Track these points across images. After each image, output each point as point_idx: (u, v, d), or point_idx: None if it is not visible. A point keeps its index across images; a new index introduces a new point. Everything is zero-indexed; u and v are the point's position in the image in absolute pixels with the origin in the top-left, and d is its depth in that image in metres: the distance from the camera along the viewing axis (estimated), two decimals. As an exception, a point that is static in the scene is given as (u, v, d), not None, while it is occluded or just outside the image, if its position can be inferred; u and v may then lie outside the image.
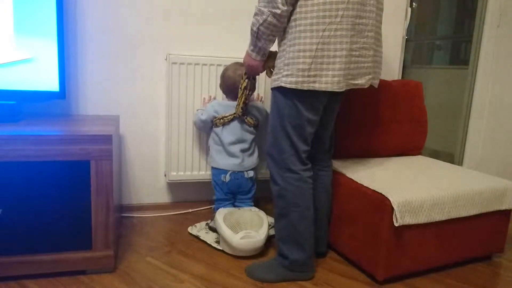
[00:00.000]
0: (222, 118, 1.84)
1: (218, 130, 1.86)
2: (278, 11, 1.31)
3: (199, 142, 2.04)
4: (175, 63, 1.93)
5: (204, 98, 1.99)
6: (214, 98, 1.99)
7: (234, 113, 1.82)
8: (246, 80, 1.73)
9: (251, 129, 1.89)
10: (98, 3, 1.88)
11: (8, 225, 1.39)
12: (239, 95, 1.78)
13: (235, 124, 1.85)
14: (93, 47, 1.91)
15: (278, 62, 1.43)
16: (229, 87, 1.85)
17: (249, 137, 1.89)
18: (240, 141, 1.86)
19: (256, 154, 1.94)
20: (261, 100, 2.06)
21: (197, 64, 1.96)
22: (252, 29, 1.41)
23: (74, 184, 1.42)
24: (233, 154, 1.85)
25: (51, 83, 1.65)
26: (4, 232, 1.39)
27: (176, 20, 2.00)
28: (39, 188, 1.40)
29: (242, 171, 1.87)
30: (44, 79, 1.64)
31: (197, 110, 1.96)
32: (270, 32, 1.38)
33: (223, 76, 1.87)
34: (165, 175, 2.10)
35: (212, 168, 1.92)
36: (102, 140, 1.42)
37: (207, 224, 1.95)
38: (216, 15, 2.05)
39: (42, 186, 1.40)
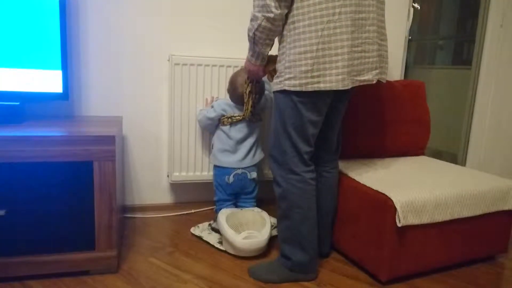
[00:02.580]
0: (231, 117, 1.84)
1: (225, 128, 1.86)
2: (272, 15, 1.32)
3: (202, 142, 2.05)
4: (177, 64, 1.93)
5: (207, 99, 1.99)
6: (217, 98, 1.99)
7: (243, 116, 1.83)
8: (250, 85, 1.73)
9: (258, 123, 1.90)
10: (101, 4, 1.88)
11: (12, 225, 1.39)
12: (245, 100, 1.78)
13: (243, 124, 1.86)
14: (96, 48, 1.92)
15: (279, 66, 1.43)
16: (236, 96, 1.84)
17: (257, 131, 1.90)
18: (248, 137, 1.86)
19: (259, 151, 1.94)
20: None
21: (200, 65, 1.96)
22: (248, 35, 1.43)
23: (77, 184, 1.43)
24: (236, 151, 1.85)
25: (54, 85, 1.66)
26: (8, 233, 1.40)
27: (178, 21, 2.01)
28: (42, 188, 1.40)
29: (246, 172, 1.87)
30: (47, 81, 1.64)
31: (200, 110, 1.96)
32: (266, 36, 1.40)
33: (232, 86, 1.84)
34: (168, 176, 2.11)
35: (215, 168, 1.92)
36: (105, 141, 1.43)
37: (209, 225, 1.95)
38: (219, 16, 2.06)
39: (45, 187, 1.40)
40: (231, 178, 1.86)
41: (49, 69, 1.64)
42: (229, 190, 1.89)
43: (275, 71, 1.55)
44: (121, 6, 1.91)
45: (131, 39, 1.96)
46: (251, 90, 1.74)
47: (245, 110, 1.80)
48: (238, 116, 1.83)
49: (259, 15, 1.34)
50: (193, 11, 2.02)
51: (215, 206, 1.95)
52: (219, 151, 1.88)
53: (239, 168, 1.86)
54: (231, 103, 1.87)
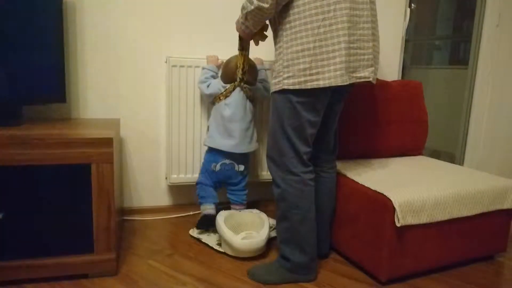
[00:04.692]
0: (224, 91, 1.85)
1: (220, 105, 1.86)
2: (266, 5, 1.34)
3: (200, 144, 2.04)
4: (175, 66, 1.93)
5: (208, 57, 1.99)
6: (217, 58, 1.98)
7: (238, 78, 1.83)
8: (240, 42, 1.75)
9: (250, 104, 1.90)
10: (98, 6, 1.88)
11: (10, 229, 1.39)
12: (238, 59, 1.80)
13: (236, 100, 1.85)
14: (93, 50, 1.91)
15: (276, 66, 1.43)
16: (227, 72, 1.86)
17: (249, 115, 1.89)
18: (240, 118, 1.85)
19: (255, 138, 1.94)
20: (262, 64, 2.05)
21: (197, 66, 1.96)
22: (242, 11, 1.46)
23: (75, 187, 1.42)
24: (232, 133, 1.85)
25: (52, 87, 1.65)
26: (5, 236, 1.39)
27: (175, 23, 2.01)
28: (40, 191, 1.40)
29: (233, 163, 1.89)
30: (44, 83, 1.64)
31: (202, 68, 1.94)
32: (258, 19, 1.44)
33: (226, 68, 1.87)
34: (166, 178, 2.10)
35: (208, 153, 1.93)
36: (103, 143, 1.42)
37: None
38: (216, 17, 2.05)
39: (43, 190, 1.40)
40: (218, 167, 1.88)
41: (47, 71, 1.63)
42: (214, 178, 1.92)
43: (262, 37, 1.61)
44: (118, 8, 1.91)
45: (128, 41, 1.95)
46: (243, 47, 1.77)
47: (237, 70, 1.81)
48: (230, 86, 1.84)
49: (254, 1, 1.36)
50: (190, 13, 2.02)
51: (196, 188, 1.96)
52: (215, 132, 1.88)
53: (227, 159, 1.88)
54: (224, 84, 1.88)
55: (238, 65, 1.81)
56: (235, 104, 1.85)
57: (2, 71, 1.57)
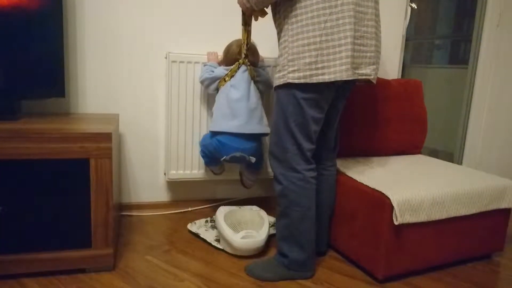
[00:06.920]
0: (229, 72, 1.82)
1: (226, 87, 1.81)
2: None
3: (199, 140, 2.04)
4: (174, 61, 1.92)
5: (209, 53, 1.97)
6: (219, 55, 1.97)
7: (239, 60, 1.81)
8: (243, 17, 1.73)
9: (255, 85, 1.85)
10: (98, 1, 1.87)
11: (8, 223, 1.39)
12: (242, 35, 1.78)
13: (241, 80, 1.80)
14: (93, 45, 1.90)
15: (281, 60, 1.43)
16: (232, 59, 1.84)
17: (255, 95, 1.83)
18: (246, 98, 1.80)
19: (265, 120, 1.85)
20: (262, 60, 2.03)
21: (197, 62, 1.95)
22: None
23: (74, 182, 1.42)
24: (237, 113, 1.77)
25: (51, 81, 1.65)
26: (3, 230, 1.39)
27: (175, 19, 2.00)
28: (38, 186, 1.39)
29: (245, 156, 1.79)
30: (43, 77, 1.63)
31: (204, 65, 1.92)
32: (262, 1, 1.45)
33: (228, 52, 1.86)
34: (164, 174, 2.10)
35: (216, 141, 1.82)
36: (101, 138, 1.42)
37: (206, 221, 1.95)
38: (216, 13, 2.05)
39: (41, 184, 1.39)
40: (228, 159, 1.80)
41: (46, 65, 1.63)
42: (222, 161, 1.86)
43: (262, 14, 1.60)
44: (118, 3, 1.90)
45: (128, 36, 1.95)
46: (246, 22, 1.75)
47: (242, 45, 1.79)
48: (235, 65, 1.81)
49: None
50: (190, 9, 2.01)
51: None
52: (220, 115, 1.81)
53: (237, 151, 1.78)
54: (227, 67, 1.85)
55: (243, 40, 1.78)
56: (240, 84, 1.80)
57: (0, 65, 1.56)
